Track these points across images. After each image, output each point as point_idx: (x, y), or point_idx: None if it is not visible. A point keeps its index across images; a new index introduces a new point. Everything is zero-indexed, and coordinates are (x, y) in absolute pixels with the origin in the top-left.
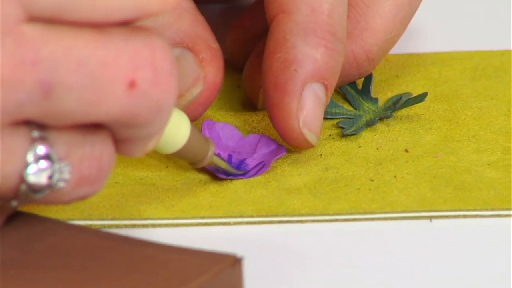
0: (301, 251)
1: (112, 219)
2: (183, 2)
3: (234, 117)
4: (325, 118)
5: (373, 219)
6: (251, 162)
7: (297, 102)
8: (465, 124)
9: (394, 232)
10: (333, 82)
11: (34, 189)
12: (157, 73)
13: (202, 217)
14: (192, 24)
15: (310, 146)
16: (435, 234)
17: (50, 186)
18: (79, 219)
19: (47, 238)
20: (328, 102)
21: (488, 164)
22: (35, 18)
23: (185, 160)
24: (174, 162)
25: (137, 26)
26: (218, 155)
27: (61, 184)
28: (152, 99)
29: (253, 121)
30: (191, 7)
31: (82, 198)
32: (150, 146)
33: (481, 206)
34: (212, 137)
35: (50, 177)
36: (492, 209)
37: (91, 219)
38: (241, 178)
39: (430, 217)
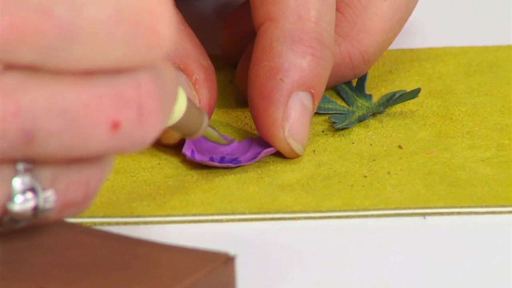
0: (294, 248)
1: (103, 216)
2: None
3: (226, 113)
4: (318, 113)
5: (366, 216)
6: (243, 160)
7: (282, 112)
8: (459, 120)
9: (388, 229)
10: (320, 91)
11: (18, 219)
12: (142, 112)
13: (194, 214)
14: (181, 41)
15: (296, 155)
16: (429, 231)
17: (35, 216)
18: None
19: (37, 235)
20: (315, 110)
21: (483, 161)
22: (13, 67)
23: (181, 132)
24: (165, 158)
25: (122, 69)
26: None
27: (47, 213)
28: (136, 138)
29: (245, 117)
30: (180, 20)
31: (68, 217)
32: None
33: (476, 203)
34: (207, 147)
35: (35, 208)
36: (487, 206)
37: (81, 217)
38: (231, 166)
39: (424, 214)
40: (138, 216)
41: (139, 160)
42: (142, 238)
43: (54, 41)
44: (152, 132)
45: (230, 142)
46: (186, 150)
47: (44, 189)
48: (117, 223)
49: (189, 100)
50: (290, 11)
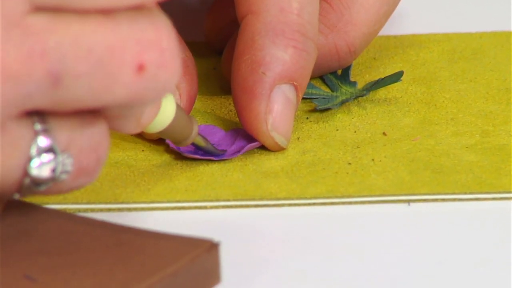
0: (278, 235)
1: (87, 203)
2: None
3: (210, 100)
4: (302, 98)
5: (350, 203)
6: (229, 151)
7: (265, 105)
8: (443, 107)
9: (372, 216)
10: (303, 83)
11: (37, 182)
12: (164, 54)
13: (178, 201)
14: None
15: (280, 148)
16: (413, 217)
17: (53, 179)
18: (53, 203)
19: (21, 222)
20: (299, 103)
21: (467, 147)
22: (40, 8)
23: (170, 139)
24: (150, 145)
25: (140, 4)
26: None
27: (64, 176)
28: (160, 80)
29: (229, 104)
30: None
31: (80, 188)
32: (144, 121)
33: (460, 189)
34: None
35: (54, 170)
36: (471, 193)
37: (65, 203)
38: (214, 159)
39: (408, 201)
40: (122, 203)
41: (124, 147)
42: (125, 224)
43: None
44: (174, 75)
45: (222, 152)
46: (169, 141)
47: (61, 151)
48: (101, 210)
49: (178, 106)
50: (271, 4)
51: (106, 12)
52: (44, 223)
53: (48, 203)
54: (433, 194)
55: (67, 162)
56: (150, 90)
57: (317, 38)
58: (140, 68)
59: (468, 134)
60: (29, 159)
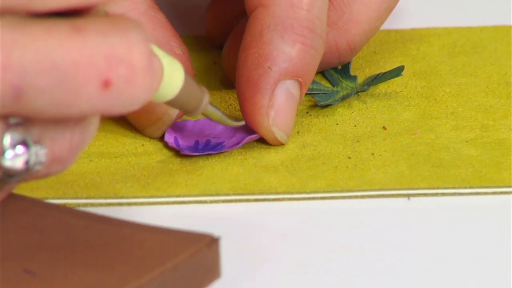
0: (278, 229)
1: (87, 197)
2: (139, 4)
3: (210, 94)
4: None
5: (350, 197)
6: (227, 144)
7: (268, 100)
8: (443, 101)
9: (372, 210)
10: (308, 79)
11: (11, 174)
12: (133, 70)
13: (178, 196)
14: (153, 30)
15: (279, 143)
16: (413, 212)
17: (27, 170)
18: (53, 198)
19: (21, 216)
20: (302, 99)
21: (467, 142)
22: (3, 11)
23: (180, 109)
24: (149, 140)
25: (115, 17)
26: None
27: (38, 167)
28: (127, 97)
29: (229, 98)
30: (149, 6)
31: (52, 175)
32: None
33: (459, 184)
34: (192, 131)
35: (27, 162)
36: (471, 187)
37: (66, 198)
38: (213, 153)
39: (408, 195)
40: (121, 198)
41: (123, 142)
42: (125, 219)
43: None
44: (143, 92)
45: (238, 123)
46: (168, 139)
47: (34, 142)
48: (101, 205)
49: (187, 75)
50: None
51: (76, 25)
52: (44, 217)
53: (48, 198)
54: (433, 188)
55: (40, 153)
56: (115, 106)
57: (325, 35)
58: (106, 84)
59: (468, 128)
60: (2, 152)
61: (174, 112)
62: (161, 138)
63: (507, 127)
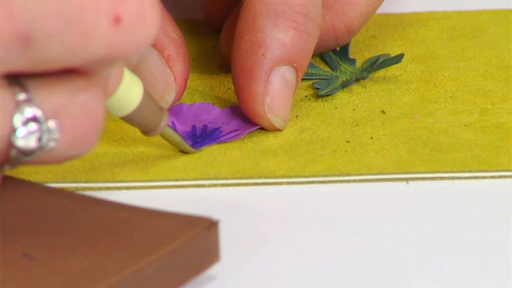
0: (277, 213)
1: (86, 181)
2: None
3: (209, 78)
4: (301, 79)
5: (349, 181)
6: (225, 129)
7: (263, 87)
8: (442, 85)
9: (370, 194)
10: (304, 64)
11: (25, 152)
12: (142, 3)
13: (177, 180)
14: None
15: (277, 130)
16: (412, 196)
17: (40, 148)
18: (52, 182)
19: (20, 200)
20: (299, 84)
21: (465, 126)
22: None
23: (136, 126)
24: None
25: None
26: (174, 128)
27: (52, 144)
28: (139, 31)
29: (228, 82)
30: None
31: (77, 157)
32: (111, 86)
33: (458, 167)
34: (189, 115)
35: (40, 139)
36: (469, 171)
37: (64, 182)
38: (213, 143)
39: (407, 179)
40: (120, 181)
41: (122, 125)
42: (124, 203)
43: None
44: (153, 28)
45: (195, 150)
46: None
47: (47, 119)
48: (99, 188)
49: (146, 92)
50: None
51: None
52: (43, 201)
53: (46, 182)
54: (432, 172)
55: (53, 130)
56: (129, 42)
57: (320, 18)
58: (117, 20)
59: (467, 112)
60: (14, 129)
61: (170, 97)
62: None
63: (505, 111)
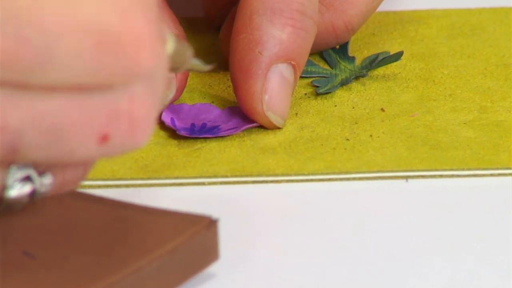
0: (276, 211)
1: (85, 179)
2: None
3: (208, 75)
4: (301, 77)
5: (348, 179)
6: (224, 127)
7: (261, 85)
8: (441, 83)
9: (370, 192)
10: (301, 61)
11: (15, 206)
12: (134, 124)
13: (176, 177)
14: None
15: (276, 127)
16: (411, 194)
17: (32, 200)
18: None
19: None
20: (297, 82)
21: (465, 123)
22: (1, 84)
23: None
24: None
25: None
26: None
27: (44, 190)
28: (125, 147)
29: (227, 79)
30: None
31: (65, 192)
32: None
33: (457, 165)
34: (189, 114)
35: (33, 193)
36: (468, 169)
37: None
38: (209, 136)
39: (406, 177)
40: (119, 179)
41: None
42: (124, 201)
43: (30, 64)
44: (143, 140)
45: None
46: (165, 118)
47: (40, 174)
48: (99, 186)
49: (175, 38)
50: None
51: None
52: (43, 199)
53: None
54: (431, 170)
55: (46, 183)
56: (114, 154)
57: (317, 15)
58: (104, 138)
59: (466, 110)
60: (6, 186)
61: (170, 92)
62: (157, 119)
63: (505, 109)
